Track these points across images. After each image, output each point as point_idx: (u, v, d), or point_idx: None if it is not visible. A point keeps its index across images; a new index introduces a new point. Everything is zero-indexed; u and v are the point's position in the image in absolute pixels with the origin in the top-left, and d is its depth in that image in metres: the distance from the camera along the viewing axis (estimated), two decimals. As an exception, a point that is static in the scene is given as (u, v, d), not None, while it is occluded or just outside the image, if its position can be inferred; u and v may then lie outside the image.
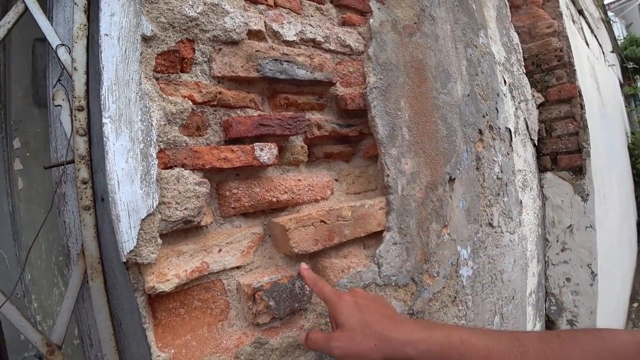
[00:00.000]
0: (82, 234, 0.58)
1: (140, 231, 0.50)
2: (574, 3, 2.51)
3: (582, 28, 2.60)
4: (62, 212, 0.66)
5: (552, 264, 1.61)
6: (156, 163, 0.52)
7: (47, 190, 0.72)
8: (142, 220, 0.50)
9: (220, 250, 0.61)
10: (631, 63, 5.60)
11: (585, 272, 1.52)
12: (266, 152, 0.64)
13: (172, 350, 0.54)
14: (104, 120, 0.50)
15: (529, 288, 1.42)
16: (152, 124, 0.53)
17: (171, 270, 0.54)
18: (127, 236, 0.49)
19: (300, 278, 0.63)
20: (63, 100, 0.67)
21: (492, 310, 1.14)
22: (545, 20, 1.57)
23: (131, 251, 0.49)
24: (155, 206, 0.51)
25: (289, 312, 0.61)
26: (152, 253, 0.51)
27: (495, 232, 1.17)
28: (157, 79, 0.56)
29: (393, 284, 0.77)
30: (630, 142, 5.15)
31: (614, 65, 4.31)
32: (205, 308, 0.60)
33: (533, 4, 1.59)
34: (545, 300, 1.62)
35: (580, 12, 2.66)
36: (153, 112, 0.54)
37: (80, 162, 0.62)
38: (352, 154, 0.85)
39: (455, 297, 0.98)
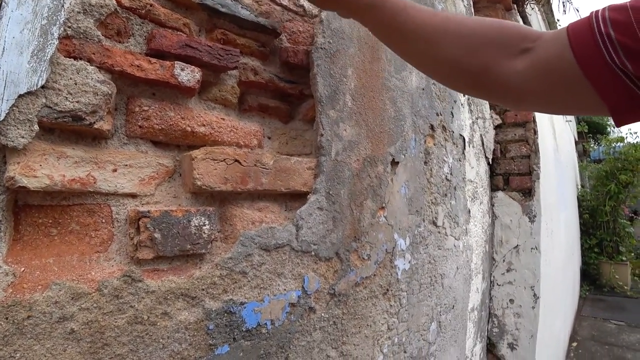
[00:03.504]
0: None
1: (14, 107, 0.45)
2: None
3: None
4: None
5: (497, 284, 1.60)
6: (56, 44, 0.49)
7: None
8: (20, 95, 0.46)
9: (115, 170, 0.54)
10: (585, 125, 6.15)
11: (528, 294, 1.52)
12: (187, 74, 0.59)
13: (22, 268, 0.46)
14: (6, -13, 0.45)
15: (472, 303, 1.38)
16: (63, 5, 0.50)
17: (44, 169, 0.47)
18: None
19: (197, 215, 0.55)
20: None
21: (428, 315, 1.09)
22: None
23: None
24: (39, 85, 0.47)
25: (178, 253, 0.54)
26: (22, 137, 0.45)
27: (439, 232, 1.14)
28: (82, -29, 0.51)
29: (313, 253, 0.71)
30: (580, 193, 5.50)
31: (570, 121, 4.66)
32: (83, 234, 0.52)
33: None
34: (488, 321, 1.59)
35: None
36: None
37: None
38: (290, 115, 0.81)
39: (388, 290, 0.92)
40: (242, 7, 0.70)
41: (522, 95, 0.46)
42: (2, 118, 0.44)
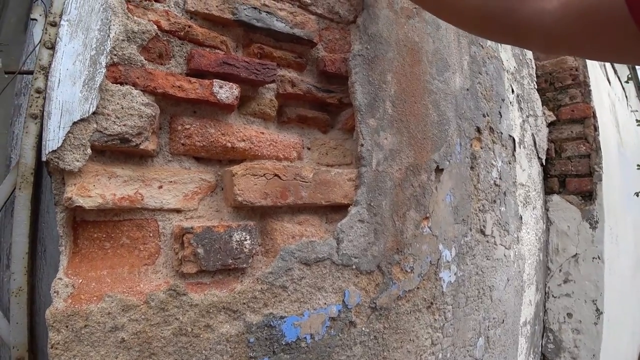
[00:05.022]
0: (21, 142, 0.53)
1: (70, 134, 0.48)
2: (597, 38, 2.44)
3: (604, 64, 2.50)
4: (14, 122, 0.63)
5: (552, 295, 1.46)
6: (104, 72, 0.51)
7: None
8: (74, 123, 0.48)
9: (161, 186, 0.56)
10: None
11: (589, 309, 1.36)
12: (225, 91, 0.59)
13: (80, 280, 0.48)
14: (61, 22, 0.51)
15: (524, 317, 1.27)
16: (109, 36, 0.52)
17: (97, 189, 0.49)
18: (54, 135, 0.48)
19: (238, 230, 0.55)
20: (40, 15, 0.67)
21: (475, 329, 1.01)
22: (562, 38, 1.50)
23: (54, 151, 0.47)
24: (91, 112, 0.49)
25: (220, 267, 0.54)
26: (77, 161, 0.47)
27: (487, 241, 1.06)
28: (127, 0, 0.53)
29: (354, 266, 0.68)
30: (653, 193, 4.84)
31: (637, 111, 4.13)
32: (132, 248, 0.54)
33: (550, 22, 1.53)
34: (543, 336, 1.45)
35: (604, 49, 2.58)
36: (113, 25, 0.53)
37: (39, 72, 0.59)
38: (330, 125, 0.79)
39: (432, 303, 0.87)
40: (277, 20, 0.69)
41: (553, 37, 0.43)
42: (60, 145, 0.47)
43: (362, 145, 0.73)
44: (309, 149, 0.77)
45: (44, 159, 0.47)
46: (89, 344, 0.47)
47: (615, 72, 2.97)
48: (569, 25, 0.40)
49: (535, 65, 1.58)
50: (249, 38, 0.68)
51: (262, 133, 0.66)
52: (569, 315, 1.42)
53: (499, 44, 1.29)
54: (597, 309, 1.37)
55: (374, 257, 0.73)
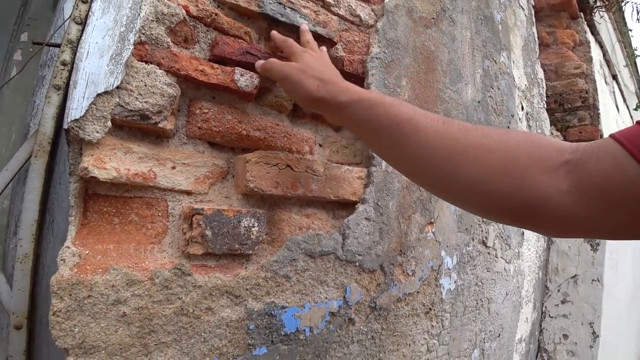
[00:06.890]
0: (42, 111, 0.54)
1: (92, 105, 0.48)
2: (608, 66, 2.44)
3: (613, 92, 2.50)
4: (36, 92, 0.64)
5: (549, 315, 1.43)
6: (131, 48, 0.51)
7: (38, 86, 0.71)
8: (98, 94, 0.48)
9: (174, 167, 0.55)
10: None
11: (585, 331, 1.33)
12: (246, 79, 0.59)
13: (87, 251, 0.48)
14: (95, -1, 0.49)
15: (520, 333, 1.25)
16: (139, 15, 0.53)
17: (113, 162, 0.49)
18: (77, 104, 0.48)
19: (247, 216, 0.54)
20: (72, -9, 0.67)
21: (471, 340, 0.99)
22: (574, 61, 1.51)
23: (75, 120, 0.47)
24: (115, 85, 0.49)
25: (226, 251, 0.53)
26: (97, 132, 0.47)
27: (489, 253, 1.04)
28: (157, -16, 0.54)
29: (357, 263, 0.68)
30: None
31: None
32: (140, 225, 0.53)
33: (563, 44, 1.54)
34: (537, 356, 1.42)
35: (615, 77, 2.58)
36: (144, 5, 0.55)
37: (66, 45, 0.60)
38: (343, 123, 0.78)
39: (431, 309, 0.86)
40: (300, 17, 0.70)
41: (566, 219, 0.37)
42: (82, 114, 0.47)
43: (373, 144, 0.73)
44: (320, 145, 0.76)
45: (65, 126, 0.47)
46: (90, 315, 0.47)
47: (624, 99, 2.97)
48: (585, 207, 0.36)
49: (546, 85, 1.58)
50: (272, 31, 0.69)
51: (277, 125, 0.66)
52: (565, 336, 1.39)
53: (511, 60, 1.29)
54: (594, 332, 1.34)
55: (378, 256, 0.72)
